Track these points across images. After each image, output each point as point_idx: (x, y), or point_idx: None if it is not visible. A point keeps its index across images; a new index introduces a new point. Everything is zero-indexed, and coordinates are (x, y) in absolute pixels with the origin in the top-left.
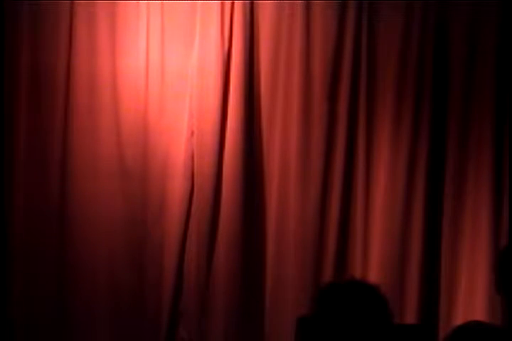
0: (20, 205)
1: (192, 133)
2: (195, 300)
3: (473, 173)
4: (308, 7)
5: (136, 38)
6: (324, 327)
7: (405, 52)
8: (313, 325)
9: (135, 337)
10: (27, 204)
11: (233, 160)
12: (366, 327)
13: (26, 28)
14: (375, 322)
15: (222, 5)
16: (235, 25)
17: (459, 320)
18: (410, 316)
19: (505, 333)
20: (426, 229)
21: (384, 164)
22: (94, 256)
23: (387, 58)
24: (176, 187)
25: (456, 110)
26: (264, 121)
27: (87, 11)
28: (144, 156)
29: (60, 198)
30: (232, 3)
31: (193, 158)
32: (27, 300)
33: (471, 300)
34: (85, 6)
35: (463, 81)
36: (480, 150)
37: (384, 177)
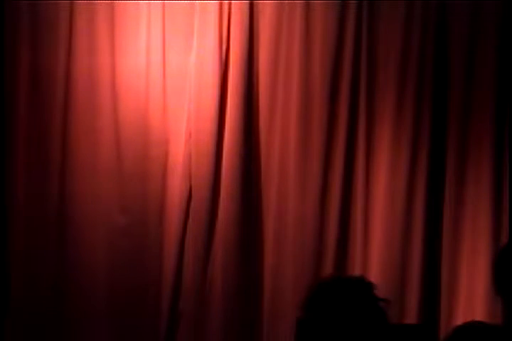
0: (19, 205)
1: (190, 133)
2: (195, 300)
3: (474, 173)
4: (307, 7)
5: (136, 38)
6: (321, 327)
7: (405, 52)
8: (310, 325)
9: (135, 337)
10: (27, 203)
11: (231, 160)
12: (361, 327)
13: (26, 28)
14: (369, 321)
15: (221, 5)
16: (232, 25)
17: (459, 320)
18: (410, 316)
19: (505, 333)
20: (426, 230)
21: (384, 165)
22: (93, 256)
23: (387, 58)
24: (175, 187)
25: (456, 110)
26: (262, 121)
27: (87, 10)
28: (143, 156)
29: (60, 197)
30: (230, 4)
31: (191, 158)
32: (27, 300)
33: (471, 300)
34: (85, 5)
35: (463, 81)
36: (480, 151)
37: (384, 178)
